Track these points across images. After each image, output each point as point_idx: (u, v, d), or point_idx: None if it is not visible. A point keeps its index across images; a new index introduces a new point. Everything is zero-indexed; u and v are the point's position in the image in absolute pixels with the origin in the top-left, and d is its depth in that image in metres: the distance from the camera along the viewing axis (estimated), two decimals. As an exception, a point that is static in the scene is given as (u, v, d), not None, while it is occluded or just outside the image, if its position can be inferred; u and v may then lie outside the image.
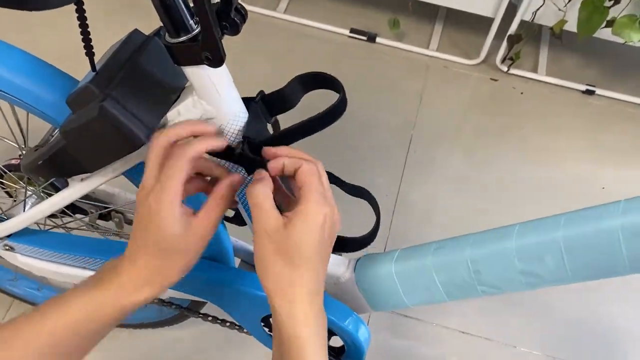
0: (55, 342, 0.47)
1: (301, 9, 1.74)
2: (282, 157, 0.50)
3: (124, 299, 0.49)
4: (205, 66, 0.48)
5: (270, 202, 0.48)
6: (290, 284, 0.48)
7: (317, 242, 0.47)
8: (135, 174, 0.63)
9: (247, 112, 0.55)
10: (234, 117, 0.54)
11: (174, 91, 0.55)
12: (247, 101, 0.56)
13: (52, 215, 0.85)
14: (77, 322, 0.48)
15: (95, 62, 0.51)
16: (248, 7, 1.69)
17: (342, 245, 0.66)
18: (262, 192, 0.48)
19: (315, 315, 0.50)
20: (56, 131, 0.55)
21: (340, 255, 0.72)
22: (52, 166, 0.56)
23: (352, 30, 1.68)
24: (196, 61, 0.47)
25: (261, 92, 0.58)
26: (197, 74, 0.49)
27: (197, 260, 0.51)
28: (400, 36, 1.69)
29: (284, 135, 0.54)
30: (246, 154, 0.53)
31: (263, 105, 0.58)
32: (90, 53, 0.50)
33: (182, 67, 0.49)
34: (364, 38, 1.67)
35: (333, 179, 0.63)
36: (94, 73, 0.51)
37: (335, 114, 0.54)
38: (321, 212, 0.47)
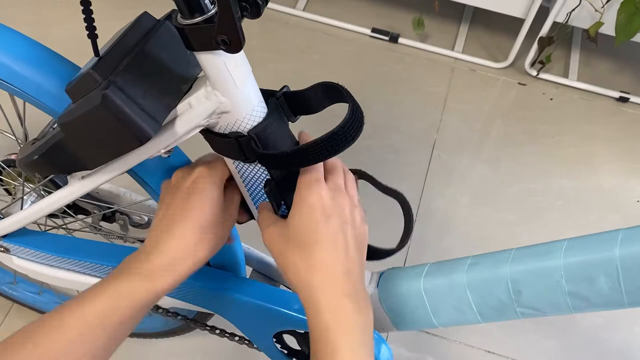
0: (82, 338, 0.45)
1: (321, 7, 1.68)
2: None
3: (149, 286, 0.48)
4: (221, 52, 0.42)
5: (271, 212, 0.53)
6: (307, 270, 0.46)
7: (317, 224, 0.47)
8: (141, 173, 0.58)
9: (265, 107, 0.50)
10: (252, 112, 0.48)
11: (185, 81, 0.49)
12: (266, 95, 0.51)
13: (53, 216, 0.80)
14: (104, 315, 0.46)
15: (100, 47, 0.46)
16: (266, 4, 1.65)
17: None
18: (262, 209, 0.53)
19: (343, 302, 0.46)
20: (56, 124, 0.50)
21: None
22: (49, 162, 0.51)
23: (374, 30, 1.62)
24: (211, 46, 0.42)
25: (285, 87, 0.52)
26: (212, 61, 0.44)
27: (221, 244, 0.53)
28: (423, 37, 1.62)
29: (299, 155, 0.47)
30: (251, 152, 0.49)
31: (285, 103, 0.52)
32: (92, 35, 0.44)
33: (196, 54, 0.44)
34: (386, 38, 1.61)
35: (367, 177, 0.60)
36: (97, 58, 0.45)
37: (351, 129, 0.46)
38: (311, 194, 0.47)
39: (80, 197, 0.76)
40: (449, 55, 1.59)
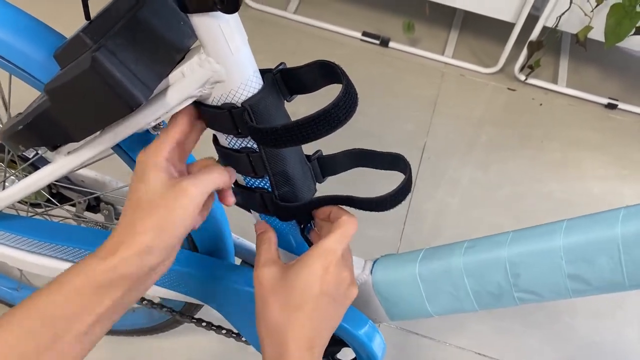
0: (49, 322, 0.42)
1: (312, 10, 1.68)
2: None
3: (100, 263, 0.43)
4: (217, 14, 0.41)
5: (273, 248, 0.53)
6: (283, 327, 0.48)
7: (314, 290, 0.48)
8: (129, 149, 0.56)
9: (261, 79, 0.48)
10: (247, 81, 0.46)
11: (178, 51, 0.48)
12: (262, 72, 0.49)
13: (36, 205, 0.77)
14: (68, 295, 0.43)
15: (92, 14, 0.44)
16: (256, 6, 1.65)
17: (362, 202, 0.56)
18: (265, 241, 0.54)
19: (305, 356, 0.48)
20: (44, 97, 0.48)
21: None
22: (34, 132, 0.48)
23: (365, 34, 1.62)
24: (207, 6, 0.40)
25: (282, 64, 0.51)
26: (207, 24, 0.42)
27: (175, 229, 0.45)
28: (414, 41, 1.63)
29: (289, 131, 0.45)
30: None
31: (282, 80, 0.51)
32: (84, -4, 0.43)
33: (190, 17, 0.42)
34: (377, 42, 1.61)
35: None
36: (87, 22, 0.44)
37: (343, 107, 0.44)
38: (321, 263, 0.49)
39: (66, 184, 0.74)
40: (439, 60, 1.60)
